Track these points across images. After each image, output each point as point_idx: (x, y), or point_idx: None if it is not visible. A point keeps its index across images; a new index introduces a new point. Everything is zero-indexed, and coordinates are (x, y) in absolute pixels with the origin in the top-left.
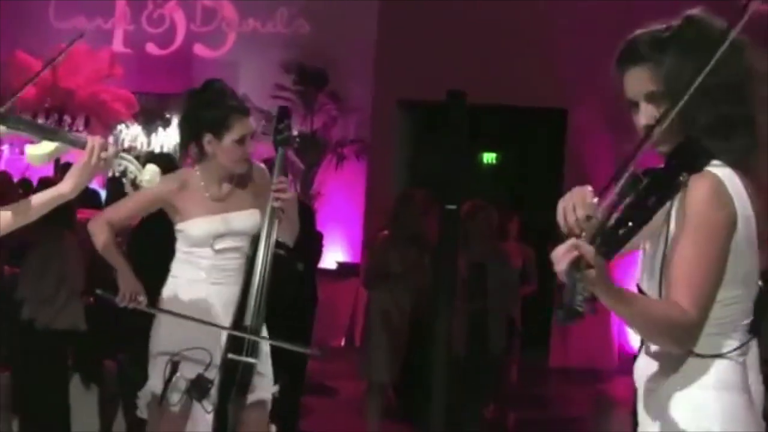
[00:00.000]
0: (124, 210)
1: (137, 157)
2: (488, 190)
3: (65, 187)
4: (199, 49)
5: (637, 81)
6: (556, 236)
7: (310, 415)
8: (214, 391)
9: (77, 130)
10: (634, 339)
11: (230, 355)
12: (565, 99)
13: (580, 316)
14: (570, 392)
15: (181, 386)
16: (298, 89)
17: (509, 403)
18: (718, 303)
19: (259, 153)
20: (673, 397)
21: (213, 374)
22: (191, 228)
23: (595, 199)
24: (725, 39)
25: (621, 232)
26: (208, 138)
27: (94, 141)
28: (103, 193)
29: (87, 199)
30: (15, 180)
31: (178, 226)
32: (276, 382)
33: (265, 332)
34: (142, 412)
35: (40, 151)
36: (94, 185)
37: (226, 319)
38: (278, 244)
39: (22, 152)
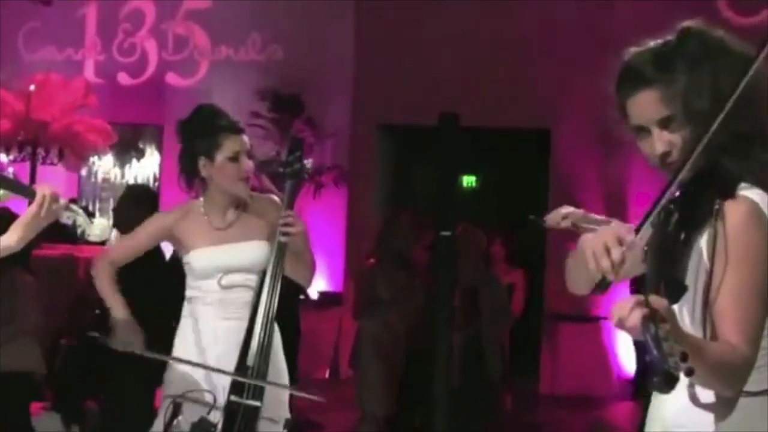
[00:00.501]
0: (125, 248)
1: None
2: (469, 213)
3: (11, 240)
4: (171, 78)
5: (647, 106)
6: (543, 258)
7: None
8: None
9: (51, 163)
10: (628, 364)
11: (233, 398)
12: (547, 119)
13: (677, 381)
14: (564, 419)
15: (185, 429)
16: (273, 116)
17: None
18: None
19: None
20: None
21: (217, 417)
22: (194, 260)
23: (629, 237)
24: (760, 53)
25: (678, 274)
26: (202, 162)
27: (44, 191)
28: None
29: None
30: None
31: (184, 259)
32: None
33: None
34: None
35: None
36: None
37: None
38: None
39: None
